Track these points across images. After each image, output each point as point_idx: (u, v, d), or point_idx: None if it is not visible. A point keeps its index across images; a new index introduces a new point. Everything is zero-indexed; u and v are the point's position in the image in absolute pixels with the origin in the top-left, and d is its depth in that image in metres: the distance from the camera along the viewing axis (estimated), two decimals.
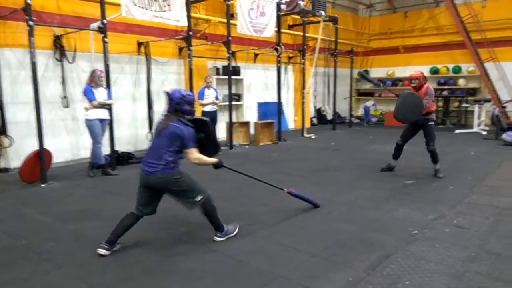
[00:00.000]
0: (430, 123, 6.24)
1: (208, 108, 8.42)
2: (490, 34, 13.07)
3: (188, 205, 3.60)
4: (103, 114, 6.45)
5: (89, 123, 6.36)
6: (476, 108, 11.86)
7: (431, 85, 6.56)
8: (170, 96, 3.52)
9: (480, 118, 12.01)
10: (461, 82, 14.32)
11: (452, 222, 4.20)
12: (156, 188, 3.51)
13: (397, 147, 6.60)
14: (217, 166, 3.76)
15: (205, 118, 3.77)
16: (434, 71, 14.87)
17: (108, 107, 6.55)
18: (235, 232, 3.87)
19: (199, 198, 3.55)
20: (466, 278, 3.00)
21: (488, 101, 12.40)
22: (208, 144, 3.71)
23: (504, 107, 11.96)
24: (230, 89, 9.27)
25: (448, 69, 14.63)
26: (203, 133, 3.64)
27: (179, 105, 3.48)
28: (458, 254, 3.41)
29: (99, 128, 6.41)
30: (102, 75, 6.51)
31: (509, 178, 6.15)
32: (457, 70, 14.43)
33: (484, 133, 11.20)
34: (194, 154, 3.46)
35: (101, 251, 3.44)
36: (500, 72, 12.77)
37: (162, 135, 3.45)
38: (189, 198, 3.54)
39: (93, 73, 6.37)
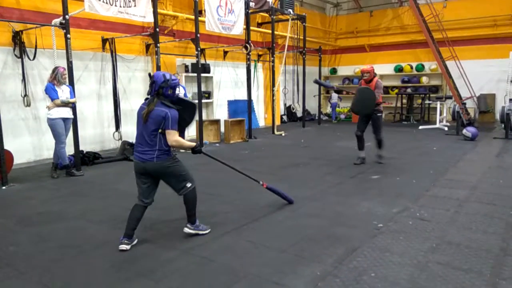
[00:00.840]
0: (378, 114, 6.88)
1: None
2: (451, 34, 13.61)
3: (178, 190, 3.66)
4: (66, 113, 6.25)
5: (52, 122, 6.14)
6: (438, 104, 12.32)
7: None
8: (154, 79, 3.48)
9: (442, 115, 12.51)
10: (424, 80, 14.85)
11: (415, 215, 4.35)
12: (153, 174, 3.56)
13: (358, 138, 7.03)
14: (195, 151, 3.70)
15: (184, 98, 3.87)
16: (398, 69, 15.33)
17: (72, 106, 6.35)
18: (206, 232, 3.85)
19: (189, 184, 3.64)
20: (428, 268, 3.12)
21: (449, 98, 12.93)
22: (187, 108, 3.68)
23: (464, 104, 12.50)
24: (199, 86, 9.20)
25: (411, 67, 15.12)
26: (179, 105, 3.61)
27: (162, 89, 3.46)
28: (420, 246, 3.54)
29: (62, 128, 6.20)
30: (65, 73, 6.30)
31: (468, 171, 6.44)
32: (420, 68, 14.95)
33: (446, 128, 11.67)
34: (174, 136, 3.46)
35: (123, 246, 3.49)
36: (460, 70, 13.32)
37: (148, 120, 3.44)
38: (180, 184, 3.63)
39: (55, 70, 6.16)
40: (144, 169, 3.53)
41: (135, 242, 3.61)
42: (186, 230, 3.77)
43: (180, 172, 3.61)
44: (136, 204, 3.64)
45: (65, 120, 6.24)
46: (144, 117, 3.46)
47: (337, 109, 16.10)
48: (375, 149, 7.16)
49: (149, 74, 3.59)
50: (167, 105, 3.47)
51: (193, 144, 3.68)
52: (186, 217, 3.78)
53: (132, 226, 3.56)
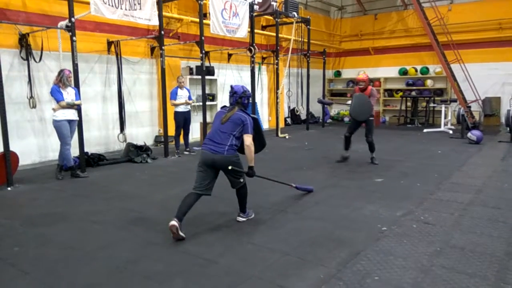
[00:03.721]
0: (371, 118, 7.16)
1: (181, 108, 8.32)
2: (456, 37, 13.57)
3: (234, 184, 4.18)
4: (72, 114, 6.29)
5: (57, 124, 6.19)
6: (443, 108, 12.27)
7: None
8: (234, 90, 4.18)
9: (447, 118, 12.45)
10: (429, 83, 14.80)
11: (419, 218, 4.33)
12: (218, 166, 4.01)
13: (346, 139, 7.38)
14: (249, 172, 4.18)
15: (255, 116, 4.31)
16: (403, 72, 15.29)
17: (77, 108, 6.39)
18: (252, 216, 4.38)
19: (242, 180, 4.18)
20: (432, 272, 3.11)
21: (454, 101, 12.87)
22: (256, 139, 4.26)
23: (469, 107, 12.44)
24: (203, 89, 9.22)
25: (416, 70, 15.08)
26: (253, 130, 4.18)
27: (241, 99, 4.15)
28: (424, 249, 3.52)
29: (67, 129, 6.24)
30: (71, 75, 6.35)
31: (473, 175, 6.41)
32: (424, 71, 14.90)
33: (451, 132, 11.62)
34: (250, 139, 4.03)
35: (173, 222, 3.72)
36: (465, 73, 13.27)
37: (228, 121, 4.03)
38: (237, 178, 4.13)
39: (61, 72, 6.20)
40: (212, 160, 3.96)
41: (182, 234, 3.75)
42: (239, 219, 4.28)
43: (240, 168, 4.08)
44: (190, 192, 3.97)
45: (70, 122, 6.28)
46: (224, 119, 4.05)
47: (342, 112, 16.29)
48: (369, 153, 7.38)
49: (231, 86, 4.25)
50: (247, 112, 4.12)
51: (252, 165, 4.13)
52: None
53: (183, 210, 3.85)
